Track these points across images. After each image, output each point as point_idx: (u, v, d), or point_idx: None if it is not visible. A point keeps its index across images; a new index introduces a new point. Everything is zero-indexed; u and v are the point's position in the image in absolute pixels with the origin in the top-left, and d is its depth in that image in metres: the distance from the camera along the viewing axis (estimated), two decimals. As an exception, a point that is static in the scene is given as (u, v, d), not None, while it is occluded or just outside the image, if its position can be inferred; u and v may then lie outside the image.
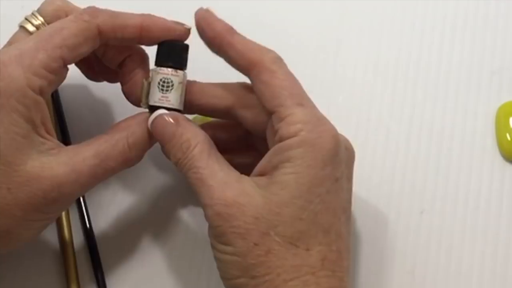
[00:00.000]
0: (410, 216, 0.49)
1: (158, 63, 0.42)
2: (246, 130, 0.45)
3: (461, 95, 0.52)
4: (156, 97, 0.42)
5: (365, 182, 0.49)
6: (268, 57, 0.41)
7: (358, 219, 0.48)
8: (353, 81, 0.52)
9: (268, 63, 0.40)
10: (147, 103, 0.42)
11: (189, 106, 0.44)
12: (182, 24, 0.42)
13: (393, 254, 0.48)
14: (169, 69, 0.42)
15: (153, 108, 0.42)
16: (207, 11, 0.42)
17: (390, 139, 0.51)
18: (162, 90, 0.42)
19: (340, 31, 0.54)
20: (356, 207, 0.46)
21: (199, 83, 0.44)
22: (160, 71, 0.42)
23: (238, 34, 0.41)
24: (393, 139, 0.51)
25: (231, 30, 0.41)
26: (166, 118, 0.41)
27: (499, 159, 0.50)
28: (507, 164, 0.50)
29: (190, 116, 0.44)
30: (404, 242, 0.48)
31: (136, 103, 0.44)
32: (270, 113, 0.40)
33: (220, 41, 0.41)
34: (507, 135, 0.50)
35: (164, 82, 0.42)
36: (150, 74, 0.42)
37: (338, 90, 0.52)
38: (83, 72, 0.47)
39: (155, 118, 0.41)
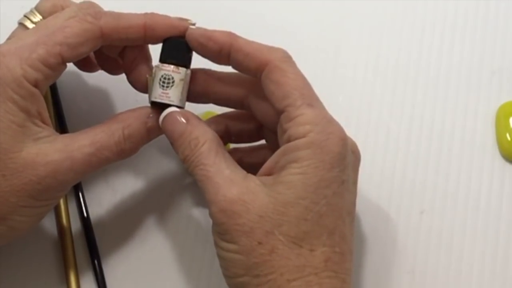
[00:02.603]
0: (410, 216, 0.49)
1: (161, 59, 0.43)
2: (258, 122, 0.45)
3: (461, 95, 0.52)
4: (157, 93, 0.42)
5: (365, 182, 0.48)
6: (277, 56, 0.40)
7: (358, 219, 0.48)
8: (353, 81, 0.52)
9: (278, 61, 0.40)
10: (149, 98, 0.43)
11: (204, 94, 0.44)
12: (187, 20, 0.42)
13: (393, 254, 0.48)
14: (171, 66, 0.42)
15: (154, 104, 0.42)
16: (197, 28, 0.42)
17: (390, 139, 0.51)
18: (163, 86, 0.42)
19: (340, 31, 0.54)
20: (356, 207, 0.46)
21: (214, 71, 0.44)
22: (162, 68, 0.42)
23: (240, 37, 0.41)
24: (393, 139, 0.51)
25: (232, 35, 0.41)
26: (177, 116, 0.41)
27: (499, 159, 0.50)
28: (507, 164, 0.50)
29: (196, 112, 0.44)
30: (404, 242, 0.48)
31: (142, 90, 0.44)
32: (279, 113, 0.40)
33: (227, 50, 0.41)
34: (507, 135, 0.50)
35: (164, 78, 0.42)
36: (153, 70, 0.43)
37: (338, 90, 0.52)
38: (75, 64, 0.47)
39: (166, 115, 0.42)
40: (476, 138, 0.51)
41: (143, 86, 0.44)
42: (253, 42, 0.41)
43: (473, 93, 0.52)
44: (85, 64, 0.47)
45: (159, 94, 0.42)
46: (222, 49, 0.41)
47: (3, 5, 0.52)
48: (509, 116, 0.51)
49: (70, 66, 0.43)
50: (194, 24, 0.42)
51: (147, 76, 0.43)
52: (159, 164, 0.49)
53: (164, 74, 0.42)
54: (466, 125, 0.51)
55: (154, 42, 0.43)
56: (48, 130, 0.41)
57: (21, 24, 0.43)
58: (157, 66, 0.42)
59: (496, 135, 0.51)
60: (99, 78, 0.48)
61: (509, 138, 0.50)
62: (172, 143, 0.42)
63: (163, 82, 0.42)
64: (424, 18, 0.54)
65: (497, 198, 0.49)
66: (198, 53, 0.42)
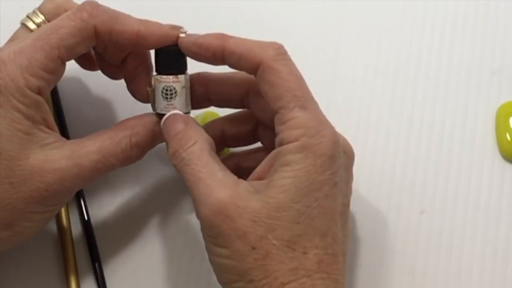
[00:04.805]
0: (410, 216, 0.49)
1: (158, 71, 0.43)
2: (253, 124, 0.45)
3: (461, 95, 0.52)
4: (162, 105, 0.42)
5: (365, 182, 0.49)
6: (269, 54, 0.40)
7: (358, 219, 0.48)
8: (353, 81, 0.52)
9: (270, 61, 0.40)
10: (154, 109, 0.43)
11: (205, 98, 0.44)
12: (179, 28, 0.42)
13: (393, 254, 0.48)
14: (170, 76, 0.42)
15: (160, 116, 0.42)
16: (188, 36, 0.42)
17: (390, 139, 0.51)
18: (166, 98, 0.42)
19: (340, 31, 0.54)
20: (356, 207, 0.46)
21: (211, 73, 0.44)
22: (162, 80, 0.42)
23: (231, 37, 0.41)
24: (393, 139, 0.51)
25: (222, 38, 0.41)
26: (177, 118, 0.42)
27: (499, 159, 0.50)
28: (507, 164, 0.50)
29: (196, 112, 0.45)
30: (404, 242, 0.48)
31: (142, 100, 0.44)
32: (274, 113, 0.40)
33: (220, 54, 0.41)
34: (507, 135, 0.50)
35: (166, 90, 0.42)
36: (153, 82, 0.43)
37: (338, 90, 0.52)
38: (77, 61, 0.47)
39: (168, 117, 0.42)
40: (476, 138, 0.51)
41: (142, 97, 0.44)
42: (245, 41, 0.41)
43: (473, 93, 0.52)
44: (87, 63, 0.47)
45: (165, 107, 0.42)
46: (215, 53, 0.41)
47: (3, 5, 0.52)
48: (509, 116, 0.51)
49: (71, 68, 0.43)
50: (185, 32, 0.42)
51: (148, 88, 0.43)
52: (160, 166, 0.49)
53: (165, 86, 0.42)
54: (466, 125, 0.51)
55: (144, 49, 0.43)
56: (54, 136, 0.41)
57: (23, 25, 0.43)
58: (156, 78, 0.42)
59: (496, 135, 0.51)
60: (99, 78, 0.48)
61: (509, 138, 0.50)
62: (167, 142, 0.42)
63: (166, 94, 0.42)
64: (424, 18, 0.54)
65: (497, 198, 0.49)
66: (193, 59, 0.42)
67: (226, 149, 0.48)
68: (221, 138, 0.46)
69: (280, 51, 0.40)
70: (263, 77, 0.40)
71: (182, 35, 0.42)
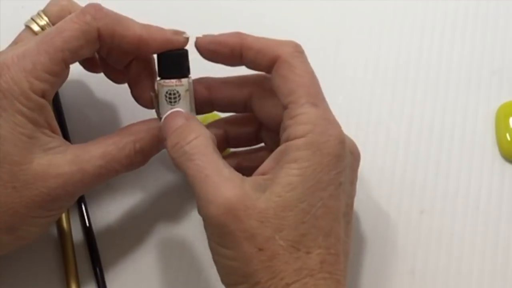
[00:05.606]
0: (410, 216, 0.49)
1: (161, 75, 0.43)
2: (257, 126, 0.45)
3: (461, 95, 0.52)
4: (166, 110, 0.42)
5: (365, 182, 0.48)
6: (287, 50, 0.40)
7: (358, 219, 0.48)
8: (353, 81, 0.52)
9: (287, 56, 0.40)
10: (159, 114, 0.43)
11: (208, 102, 0.44)
12: (181, 33, 0.42)
13: (393, 254, 0.48)
14: (173, 80, 0.42)
15: None
16: (205, 36, 0.42)
17: (390, 139, 0.51)
18: (170, 102, 0.42)
19: (340, 31, 0.54)
20: (356, 207, 0.46)
21: (214, 78, 0.44)
22: (165, 84, 0.42)
23: (248, 35, 0.41)
24: (393, 139, 0.51)
25: (240, 35, 0.41)
26: (179, 114, 0.41)
27: (499, 159, 0.50)
28: (507, 164, 0.50)
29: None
30: (404, 242, 0.48)
31: (146, 106, 0.44)
32: (284, 109, 0.40)
33: (238, 51, 0.41)
34: (507, 135, 0.50)
35: (170, 94, 0.42)
36: (156, 87, 0.43)
37: (338, 90, 0.52)
38: (80, 63, 0.47)
39: (169, 114, 0.42)
40: (476, 138, 0.51)
41: (146, 102, 0.44)
42: (262, 38, 0.41)
43: (473, 93, 0.52)
44: (90, 65, 0.47)
45: (169, 111, 0.42)
46: (233, 51, 0.41)
47: (3, 5, 0.51)
48: (509, 116, 0.51)
49: (73, 71, 0.43)
50: (188, 38, 0.42)
51: (151, 94, 0.43)
52: (160, 170, 0.48)
53: (169, 90, 0.42)
54: (466, 125, 0.51)
55: (146, 54, 0.43)
56: (58, 140, 0.41)
57: (27, 27, 0.43)
58: (159, 83, 0.42)
59: (496, 135, 0.51)
60: (101, 81, 0.48)
61: (509, 138, 0.50)
62: (166, 138, 0.41)
63: (169, 98, 0.42)
64: (424, 18, 0.54)
65: (497, 198, 0.49)
66: (209, 60, 0.42)
67: (226, 149, 0.48)
68: (224, 139, 0.45)
69: (298, 49, 0.41)
70: (278, 71, 0.40)
71: (199, 35, 0.42)
